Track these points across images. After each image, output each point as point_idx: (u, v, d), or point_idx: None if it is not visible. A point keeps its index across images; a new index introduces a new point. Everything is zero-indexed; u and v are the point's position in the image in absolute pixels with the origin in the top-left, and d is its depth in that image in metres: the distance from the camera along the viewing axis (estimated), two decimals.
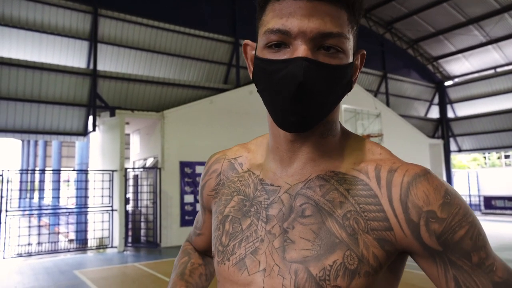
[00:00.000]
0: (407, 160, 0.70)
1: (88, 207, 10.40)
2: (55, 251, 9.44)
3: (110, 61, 11.41)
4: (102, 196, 9.86)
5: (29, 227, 9.39)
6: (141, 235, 10.77)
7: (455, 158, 24.83)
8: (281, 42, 0.64)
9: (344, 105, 14.57)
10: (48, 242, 9.55)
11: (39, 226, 10.54)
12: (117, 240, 9.73)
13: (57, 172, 12.27)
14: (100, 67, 11.02)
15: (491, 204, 18.70)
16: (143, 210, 10.75)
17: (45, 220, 14.65)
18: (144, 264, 8.04)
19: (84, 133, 10.74)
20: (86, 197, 10.55)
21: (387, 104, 18.07)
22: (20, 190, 12.60)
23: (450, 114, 20.96)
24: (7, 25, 9.82)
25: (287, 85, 0.62)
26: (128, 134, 12.73)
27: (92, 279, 6.69)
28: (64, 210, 14.41)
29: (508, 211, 17.65)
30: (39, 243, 9.43)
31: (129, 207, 10.75)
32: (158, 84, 11.71)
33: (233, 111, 11.65)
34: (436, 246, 0.62)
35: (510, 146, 18.67)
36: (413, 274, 6.02)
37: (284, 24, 0.63)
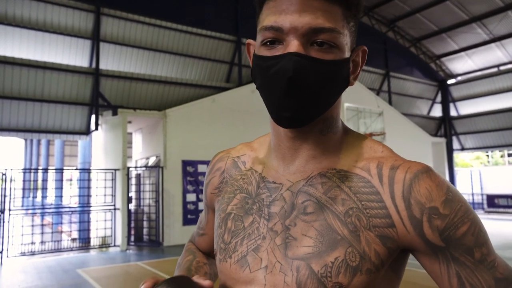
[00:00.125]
0: (410, 159, 0.70)
1: (90, 206, 10.43)
2: (58, 250, 9.47)
3: (112, 60, 11.43)
4: (105, 195, 9.88)
5: (32, 226, 9.43)
6: (143, 234, 10.80)
7: (458, 156, 24.76)
8: (275, 39, 0.65)
9: (346, 104, 14.55)
10: (51, 241, 9.59)
11: (42, 225, 10.59)
12: (119, 239, 9.75)
13: (60, 171, 12.31)
14: (103, 66, 11.04)
15: (494, 202, 18.64)
16: (146, 209, 10.77)
17: (48, 219, 14.71)
18: (147, 262, 8.06)
19: (87, 132, 10.76)
20: (88, 196, 10.58)
21: (390, 102, 18.03)
22: (23, 189, 12.65)
23: (453, 113, 20.89)
24: (10, 24, 9.85)
25: (279, 81, 0.63)
26: (131, 133, 12.75)
27: (95, 278, 6.71)
28: (67, 209, 14.46)
29: (511, 210, 17.59)
30: (42, 242, 9.47)
31: (132, 206, 10.77)
32: (160, 83, 11.72)
33: (235, 109, 11.65)
34: (439, 242, 0.62)
35: None
36: (414, 273, 6.01)
37: (276, 21, 0.64)
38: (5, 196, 8.68)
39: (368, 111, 15.65)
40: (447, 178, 19.30)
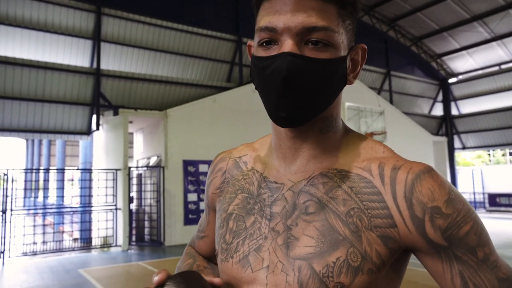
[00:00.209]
0: (411, 158, 0.70)
1: (92, 206, 10.45)
2: (59, 250, 9.49)
3: (113, 60, 11.44)
4: (106, 195, 9.89)
5: (34, 226, 9.44)
6: (145, 233, 10.81)
7: (459, 155, 24.72)
8: (271, 39, 0.66)
9: (347, 103, 14.53)
10: (53, 241, 9.60)
11: (44, 225, 10.61)
12: (121, 238, 9.76)
13: (61, 171, 12.33)
14: (104, 66, 11.05)
15: (495, 201, 18.61)
16: (147, 209, 10.78)
17: (49, 219, 14.74)
18: (148, 262, 8.06)
19: (88, 132, 10.77)
20: (90, 196, 10.60)
21: (391, 101, 18.01)
22: (25, 189, 12.68)
23: (454, 111, 20.85)
24: (11, 24, 9.86)
25: (274, 81, 0.63)
26: (132, 133, 12.76)
27: (96, 277, 6.72)
28: (69, 209, 14.48)
29: None
30: (44, 242, 9.48)
31: (133, 206, 10.78)
32: (161, 82, 11.72)
33: (236, 109, 11.65)
34: (441, 242, 0.61)
35: None
36: (416, 272, 6.00)
37: (270, 21, 0.64)
38: (7, 196, 8.70)
39: (369, 110, 15.63)
40: (448, 177, 19.33)
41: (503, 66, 19.19)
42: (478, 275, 0.61)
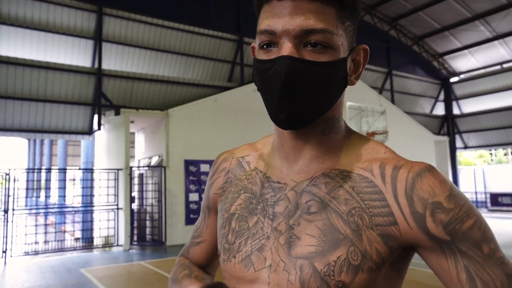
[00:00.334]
0: (413, 157, 0.71)
1: (93, 206, 10.47)
2: (61, 250, 9.51)
3: (114, 59, 11.45)
4: (108, 195, 9.91)
5: (36, 225, 9.47)
6: (146, 233, 10.82)
7: (461, 155, 24.69)
8: (271, 42, 0.67)
9: (348, 103, 14.52)
10: (55, 240, 9.62)
11: (46, 225, 10.64)
12: (122, 238, 9.78)
13: (63, 171, 12.35)
14: (105, 66, 11.06)
15: (497, 201, 18.57)
16: (148, 209, 10.80)
17: (51, 218, 14.78)
18: (150, 262, 8.07)
19: (89, 132, 10.79)
20: (91, 195, 10.62)
21: (392, 101, 17.98)
22: (27, 189, 12.70)
23: (456, 111, 20.81)
24: (13, 24, 9.88)
25: (273, 84, 0.64)
26: (133, 133, 12.78)
27: (98, 277, 6.73)
28: (70, 209, 14.52)
29: None
30: (45, 242, 9.51)
31: (135, 206, 10.79)
32: (163, 82, 11.73)
33: (238, 109, 11.65)
34: (444, 236, 0.61)
35: None
36: (418, 272, 6.00)
37: (270, 24, 0.65)
38: (8, 196, 8.72)
39: (370, 110, 15.61)
40: (450, 177, 19.30)
41: (505, 65, 19.14)
42: (485, 270, 0.60)
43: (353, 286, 0.63)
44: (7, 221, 8.61)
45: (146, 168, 11.00)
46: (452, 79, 21.00)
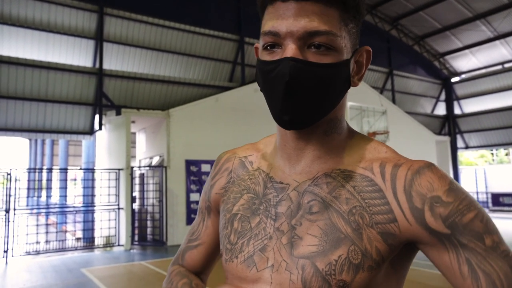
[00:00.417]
0: (414, 157, 0.71)
1: (95, 206, 10.48)
2: (62, 250, 9.52)
3: (116, 60, 11.46)
4: (109, 195, 9.92)
5: (37, 225, 9.49)
6: (147, 233, 10.83)
7: (462, 155, 24.65)
8: (274, 43, 0.67)
9: (349, 103, 14.51)
10: (56, 240, 9.63)
11: (47, 225, 10.66)
12: (123, 238, 9.79)
13: (64, 171, 12.37)
14: (106, 66, 11.07)
15: (499, 201, 18.54)
16: (149, 209, 10.80)
17: (52, 218, 14.80)
18: (151, 262, 8.08)
19: (91, 132, 10.80)
20: (93, 195, 10.63)
21: (393, 101, 17.97)
22: (28, 188, 12.73)
23: (457, 111, 20.78)
24: (14, 24, 9.90)
25: (277, 85, 0.65)
26: (134, 133, 12.79)
27: (99, 277, 6.74)
28: (71, 209, 14.54)
29: None
30: (47, 242, 9.52)
31: (136, 206, 10.80)
32: (164, 82, 11.74)
33: (239, 109, 11.65)
34: (443, 229, 0.61)
35: None
36: (420, 272, 5.99)
37: (274, 26, 0.66)
38: (10, 195, 8.74)
39: (371, 110, 15.60)
40: (451, 177, 19.19)
41: (506, 65, 19.11)
42: (488, 262, 0.58)
43: (354, 284, 0.63)
44: (9, 221, 8.62)
45: (147, 168, 11.01)
46: (453, 79, 20.98)
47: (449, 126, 20.47)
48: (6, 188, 8.74)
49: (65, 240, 10.33)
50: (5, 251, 8.44)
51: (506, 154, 25.76)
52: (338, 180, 0.70)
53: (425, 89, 20.32)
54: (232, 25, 13.32)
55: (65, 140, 16.16)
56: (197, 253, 0.90)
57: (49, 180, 11.72)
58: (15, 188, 8.87)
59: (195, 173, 10.65)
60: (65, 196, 15.94)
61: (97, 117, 10.60)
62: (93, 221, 10.67)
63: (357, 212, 0.66)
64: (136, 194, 11.00)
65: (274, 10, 0.66)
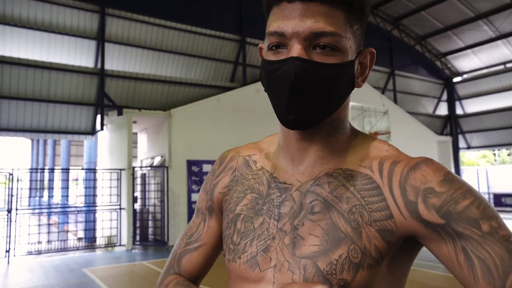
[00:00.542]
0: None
1: (96, 206, 10.49)
2: (64, 249, 9.54)
3: (117, 60, 11.48)
4: (110, 195, 9.93)
5: (39, 225, 9.50)
6: (149, 233, 10.84)
7: (464, 155, 24.60)
8: (280, 44, 0.67)
9: (351, 103, 14.39)
10: (58, 240, 9.65)
11: (49, 225, 10.66)
12: (125, 238, 9.80)
13: (66, 171, 12.39)
14: (108, 66, 11.09)
15: (501, 201, 18.49)
16: (151, 209, 10.81)
17: (54, 218, 14.81)
18: (152, 262, 8.09)
19: (92, 132, 10.82)
20: (94, 195, 10.64)
21: (395, 101, 17.95)
22: (30, 189, 12.76)
23: (459, 111, 20.74)
24: (16, 25, 9.92)
25: (282, 84, 0.65)
26: (136, 133, 12.80)
27: (100, 277, 6.75)
28: (73, 209, 14.56)
29: None
30: (48, 241, 9.54)
31: (137, 206, 10.81)
32: (165, 83, 11.75)
33: (240, 109, 11.66)
34: (438, 220, 0.60)
35: None
36: (421, 272, 5.98)
37: (279, 26, 0.66)
38: (12, 195, 8.75)
39: (373, 110, 15.58)
40: None
41: (508, 65, 19.07)
42: (483, 247, 0.56)
43: (354, 283, 0.64)
44: (11, 221, 8.64)
45: (149, 168, 11.02)
46: (455, 79, 20.94)
47: (451, 126, 20.43)
48: (8, 188, 8.76)
49: (67, 240, 10.35)
50: (7, 251, 8.46)
51: (508, 155, 25.70)
52: (340, 179, 0.70)
53: (426, 89, 20.28)
54: (234, 25, 13.32)
55: (67, 140, 16.19)
56: (197, 255, 0.86)
57: (51, 180, 11.75)
58: (17, 188, 8.89)
59: (196, 173, 10.66)
60: (67, 196, 15.97)
61: (98, 117, 10.62)
62: (94, 221, 10.68)
63: (357, 211, 0.66)
64: (137, 194, 11.01)
65: (279, 11, 0.67)
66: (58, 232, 10.42)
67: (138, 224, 10.56)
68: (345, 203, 0.67)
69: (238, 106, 11.68)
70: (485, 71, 19.90)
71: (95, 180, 10.64)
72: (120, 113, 10.39)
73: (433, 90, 20.58)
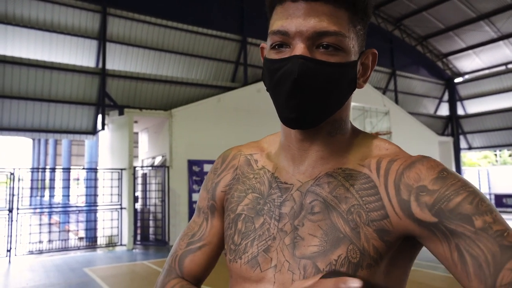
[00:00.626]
0: None
1: (97, 205, 10.50)
2: (65, 249, 9.55)
3: (118, 60, 11.49)
4: (111, 195, 9.94)
5: (40, 225, 9.51)
6: (149, 233, 10.84)
7: (465, 155, 24.56)
8: (283, 43, 0.67)
9: (352, 103, 14.34)
10: (59, 240, 9.66)
11: (50, 224, 10.68)
12: (126, 238, 9.81)
13: (67, 170, 12.41)
14: (109, 66, 11.10)
15: (502, 202, 18.47)
16: (152, 209, 10.82)
17: (55, 218, 14.82)
18: (153, 262, 8.09)
19: (93, 131, 10.83)
20: (95, 195, 10.65)
21: (396, 101, 17.93)
22: (31, 188, 12.76)
23: (460, 111, 20.72)
24: (18, 24, 9.94)
25: (284, 83, 0.65)
26: (137, 133, 12.81)
27: (101, 276, 6.75)
28: (74, 208, 14.57)
29: None
30: (49, 241, 9.55)
31: (138, 206, 10.82)
32: (166, 82, 11.76)
33: (241, 109, 11.66)
34: (431, 218, 0.59)
35: None
36: (421, 273, 5.98)
37: (283, 25, 0.66)
38: (13, 195, 8.77)
39: (374, 110, 15.57)
40: None
41: (509, 66, 19.04)
42: (476, 244, 0.55)
43: None
44: (12, 220, 8.66)
45: (150, 168, 11.03)
46: (457, 80, 20.91)
47: (452, 127, 20.41)
48: (10, 187, 8.78)
49: (68, 239, 10.36)
50: (8, 250, 8.48)
51: (510, 155, 25.66)
52: (339, 179, 0.70)
53: (428, 89, 20.26)
54: (235, 25, 13.32)
55: (68, 140, 16.20)
56: (201, 255, 0.84)
57: (52, 179, 11.77)
58: (18, 187, 8.91)
59: (197, 173, 10.66)
60: (68, 195, 15.99)
61: (100, 117, 10.63)
62: (95, 220, 10.69)
63: (355, 210, 0.66)
64: (138, 194, 11.02)
65: (283, 10, 0.67)
66: (59, 231, 10.43)
67: (139, 224, 10.57)
68: (344, 203, 0.67)
69: (239, 106, 11.68)
70: (486, 71, 19.87)
71: (96, 179, 10.65)
72: (121, 113, 10.39)
73: (434, 91, 20.55)
